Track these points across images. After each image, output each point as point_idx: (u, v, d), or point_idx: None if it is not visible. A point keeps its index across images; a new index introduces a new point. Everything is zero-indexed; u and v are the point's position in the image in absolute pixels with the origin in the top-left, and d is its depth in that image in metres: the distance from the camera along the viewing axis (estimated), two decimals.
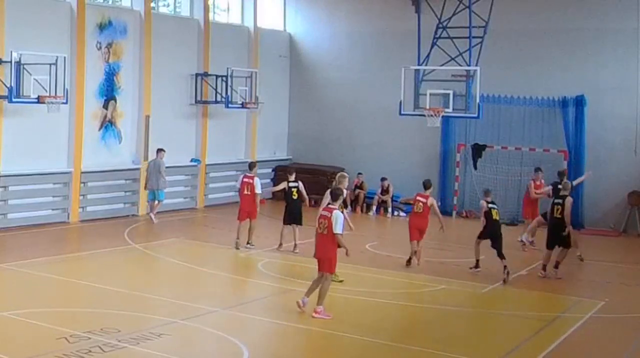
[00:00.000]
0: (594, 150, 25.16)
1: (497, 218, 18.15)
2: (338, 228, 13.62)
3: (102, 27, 23.49)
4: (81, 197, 23.07)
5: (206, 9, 26.91)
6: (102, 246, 19.62)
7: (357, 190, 27.23)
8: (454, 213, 27.09)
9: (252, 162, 21.29)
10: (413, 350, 12.60)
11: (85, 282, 16.20)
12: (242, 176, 20.04)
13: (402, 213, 26.68)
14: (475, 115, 22.18)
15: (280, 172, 29.05)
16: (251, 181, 19.63)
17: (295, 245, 19.57)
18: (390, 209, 26.80)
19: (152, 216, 23.30)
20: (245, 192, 19.62)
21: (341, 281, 16.07)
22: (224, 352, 12.42)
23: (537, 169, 22.33)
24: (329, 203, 14.05)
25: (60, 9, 22.44)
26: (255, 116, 28.18)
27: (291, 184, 19.76)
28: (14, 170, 21.36)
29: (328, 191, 15.01)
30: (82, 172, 22.96)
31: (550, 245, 18.05)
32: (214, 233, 22.34)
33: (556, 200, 18.13)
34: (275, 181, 28.63)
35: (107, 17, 23.66)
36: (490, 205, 18.13)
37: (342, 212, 14.43)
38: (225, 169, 27.90)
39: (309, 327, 13.58)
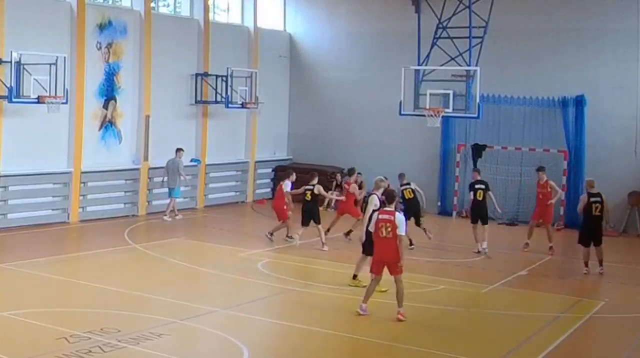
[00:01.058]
0: (594, 150, 25.14)
1: (409, 196, 20.70)
2: (402, 230, 13.70)
3: (102, 27, 23.49)
4: (81, 197, 23.07)
5: (206, 9, 26.91)
6: (102, 246, 19.63)
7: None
8: (454, 213, 27.09)
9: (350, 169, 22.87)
10: (413, 350, 12.60)
11: (85, 282, 16.21)
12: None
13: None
14: (475, 115, 22.17)
15: (280, 172, 29.08)
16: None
17: (323, 243, 20.24)
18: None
19: (166, 216, 23.64)
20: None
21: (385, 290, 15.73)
22: (224, 352, 12.42)
23: (540, 169, 21.68)
24: (381, 207, 14.14)
25: (60, 9, 22.44)
26: (255, 116, 28.18)
27: (306, 187, 20.57)
28: (14, 170, 21.36)
29: (372, 196, 16.33)
30: (82, 172, 22.97)
31: (588, 243, 18.57)
32: (214, 233, 22.34)
33: (593, 199, 18.46)
34: (276, 181, 28.76)
35: (107, 17, 23.66)
36: (403, 187, 20.73)
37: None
38: (225, 169, 27.92)
39: (309, 327, 13.58)
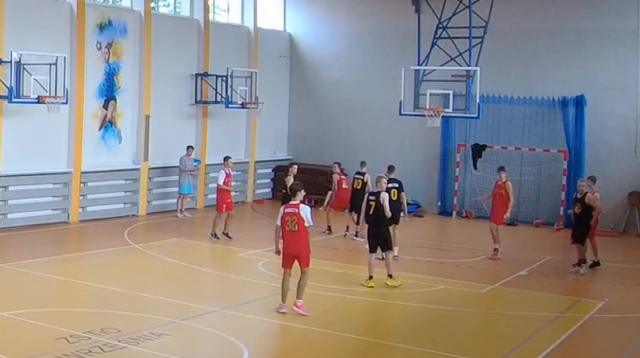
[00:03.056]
0: (594, 150, 25.15)
1: (358, 187, 21.38)
2: (308, 222, 13.74)
3: (102, 27, 23.49)
4: (81, 197, 23.07)
5: (206, 9, 26.91)
6: (102, 246, 19.63)
7: None
8: (454, 213, 27.08)
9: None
10: (413, 350, 12.60)
11: (85, 282, 16.20)
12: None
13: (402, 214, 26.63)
14: (475, 115, 22.15)
15: (280, 172, 29.09)
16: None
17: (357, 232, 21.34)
18: None
19: (179, 214, 24.14)
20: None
21: (399, 285, 16.41)
22: (224, 352, 12.42)
23: (501, 168, 20.98)
24: (291, 200, 14.06)
25: (60, 9, 22.45)
26: (255, 116, 28.18)
27: (356, 176, 21.87)
28: (14, 170, 21.36)
29: (367, 195, 16.80)
30: (82, 172, 22.97)
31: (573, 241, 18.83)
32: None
33: (579, 196, 18.80)
34: (276, 180, 28.79)
35: (107, 17, 23.66)
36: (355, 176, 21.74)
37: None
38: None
39: (309, 327, 13.57)
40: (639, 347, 13.61)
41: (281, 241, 14.17)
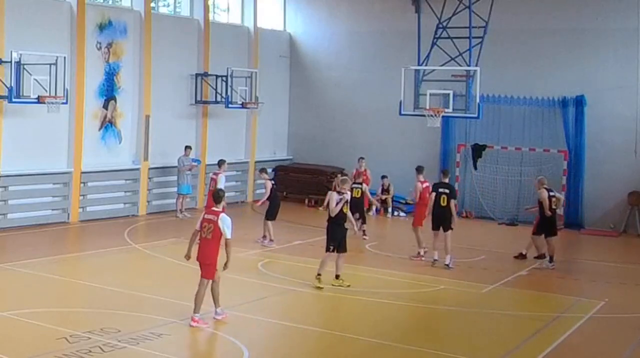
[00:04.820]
0: (594, 150, 25.16)
1: (356, 195, 20.78)
2: (227, 234, 12.88)
3: (102, 27, 23.49)
4: (81, 197, 23.07)
5: (206, 9, 26.91)
6: (102, 246, 19.63)
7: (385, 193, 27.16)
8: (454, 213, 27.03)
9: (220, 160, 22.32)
10: (413, 350, 12.60)
11: (85, 282, 16.21)
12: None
13: (402, 214, 26.69)
14: (475, 115, 22.18)
15: (281, 172, 29.10)
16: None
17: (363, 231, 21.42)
18: (390, 209, 26.78)
19: (179, 214, 24.14)
20: (211, 188, 20.82)
21: (348, 286, 16.24)
22: (224, 352, 12.43)
23: (418, 169, 20.28)
24: (214, 207, 13.28)
25: (60, 9, 22.45)
26: (255, 116, 28.18)
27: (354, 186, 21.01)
28: (14, 170, 21.36)
29: (331, 192, 16.13)
30: (82, 172, 22.97)
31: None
32: None
33: (551, 193, 19.21)
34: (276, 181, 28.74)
35: (107, 17, 23.66)
36: (354, 185, 20.87)
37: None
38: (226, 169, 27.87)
39: (309, 327, 13.58)
40: (639, 347, 13.61)
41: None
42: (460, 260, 19.67)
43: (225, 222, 12.86)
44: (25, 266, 16.96)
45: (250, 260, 18.85)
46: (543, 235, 19.22)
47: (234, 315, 14.13)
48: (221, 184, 20.62)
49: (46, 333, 12.32)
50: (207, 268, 13.04)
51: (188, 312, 13.90)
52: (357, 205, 20.77)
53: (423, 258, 19.19)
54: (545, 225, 19.24)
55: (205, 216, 13.18)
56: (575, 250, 23.10)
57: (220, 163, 21.89)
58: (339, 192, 16.08)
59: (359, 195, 21.31)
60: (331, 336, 13.13)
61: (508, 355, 12.65)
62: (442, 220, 18.57)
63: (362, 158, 23.73)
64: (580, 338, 13.75)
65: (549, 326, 14.31)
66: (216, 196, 13.38)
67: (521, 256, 19.77)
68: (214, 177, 21.46)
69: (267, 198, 20.79)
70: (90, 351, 11.52)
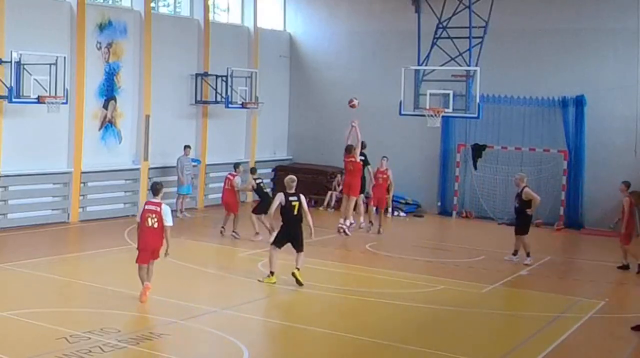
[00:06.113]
0: (594, 150, 25.14)
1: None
2: (169, 221, 14.42)
3: (102, 27, 23.49)
4: (81, 197, 23.07)
5: (206, 9, 26.91)
6: (102, 246, 19.62)
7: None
8: (454, 213, 27.08)
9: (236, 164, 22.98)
10: (413, 350, 12.59)
11: (85, 282, 16.21)
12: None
13: (402, 213, 26.71)
14: (475, 115, 22.18)
15: (280, 172, 29.10)
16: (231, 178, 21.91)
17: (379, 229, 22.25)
18: (390, 209, 26.76)
19: (178, 213, 24.14)
20: (226, 186, 22.03)
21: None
22: (224, 352, 12.42)
23: (384, 157, 23.09)
24: (152, 199, 14.72)
25: (60, 9, 22.44)
26: (255, 116, 28.18)
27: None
28: (14, 170, 21.36)
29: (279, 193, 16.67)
30: (82, 172, 22.97)
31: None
32: (214, 233, 22.31)
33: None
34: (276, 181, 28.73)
35: (107, 17, 23.66)
36: (257, 180, 21.66)
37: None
38: (226, 169, 27.64)
39: (309, 327, 13.58)
40: (639, 347, 13.61)
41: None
42: (460, 260, 19.69)
43: (166, 212, 14.45)
44: (25, 266, 16.95)
45: (250, 260, 18.86)
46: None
47: (234, 315, 14.15)
48: (238, 186, 21.78)
49: (46, 333, 12.32)
50: (156, 253, 14.52)
51: (188, 312, 13.93)
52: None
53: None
54: (527, 224, 19.37)
55: (147, 208, 14.50)
56: (575, 250, 23.12)
57: (236, 166, 22.50)
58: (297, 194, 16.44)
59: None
60: (331, 336, 13.13)
61: (508, 355, 12.65)
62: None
63: (385, 157, 23.43)
64: (580, 338, 13.75)
65: (549, 326, 14.30)
66: (155, 188, 14.85)
67: (624, 267, 19.07)
68: (230, 177, 21.93)
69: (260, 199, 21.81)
70: (90, 351, 11.52)
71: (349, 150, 21.91)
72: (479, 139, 26.56)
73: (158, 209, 14.38)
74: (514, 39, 26.13)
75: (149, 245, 14.43)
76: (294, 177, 16.74)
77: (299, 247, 16.30)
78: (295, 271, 16.12)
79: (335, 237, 21.69)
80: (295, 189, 16.47)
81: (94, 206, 23.44)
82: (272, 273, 16.30)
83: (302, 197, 16.51)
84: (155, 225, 14.35)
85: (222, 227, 21.74)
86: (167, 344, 12.26)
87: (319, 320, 13.89)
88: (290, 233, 16.29)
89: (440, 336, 13.51)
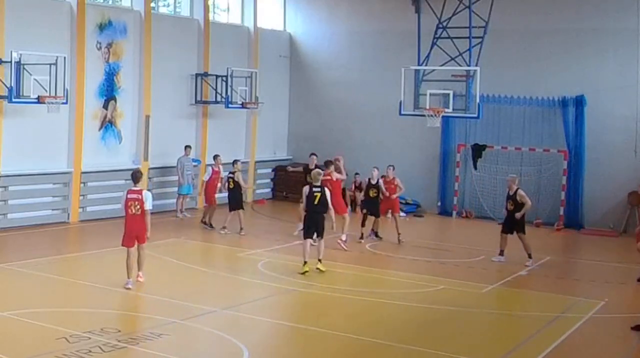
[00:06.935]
0: (594, 150, 25.15)
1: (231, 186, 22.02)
2: (149, 205, 15.20)
3: (102, 27, 23.49)
4: (81, 197, 23.08)
5: (206, 9, 26.91)
6: (102, 246, 19.60)
7: (356, 191, 27.17)
8: (454, 213, 27.08)
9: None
10: (413, 350, 12.60)
11: (85, 282, 16.20)
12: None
13: (402, 214, 26.67)
14: (475, 115, 22.18)
15: (280, 172, 29.12)
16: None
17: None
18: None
19: (178, 213, 24.43)
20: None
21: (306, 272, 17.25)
22: (224, 352, 12.42)
23: (390, 166, 22.57)
24: (133, 187, 15.37)
25: (60, 9, 22.45)
26: (255, 116, 28.17)
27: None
28: (14, 170, 21.36)
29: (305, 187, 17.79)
30: (82, 172, 22.98)
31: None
32: (214, 233, 22.33)
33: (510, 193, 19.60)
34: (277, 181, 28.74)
35: (107, 17, 23.66)
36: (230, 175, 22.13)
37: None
38: (226, 169, 27.77)
39: (309, 327, 13.58)
40: (639, 347, 13.61)
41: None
42: (460, 260, 19.69)
43: (147, 197, 15.26)
44: (25, 266, 16.95)
45: (250, 260, 18.86)
46: None
47: (234, 315, 14.15)
48: (242, 181, 22.29)
49: (46, 333, 12.32)
50: (142, 237, 15.41)
51: (188, 312, 13.94)
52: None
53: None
54: (518, 223, 19.43)
55: (129, 196, 15.23)
56: (575, 250, 23.12)
57: (235, 162, 22.76)
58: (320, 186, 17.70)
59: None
60: (331, 336, 13.12)
61: (508, 355, 12.65)
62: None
63: (391, 166, 22.64)
64: (580, 338, 13.76)
65: (549, 326, 14.30)
66: (136, 176, 15.45)
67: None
68: (231, 176, 22.20)
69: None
70: (90, 351, 11.52)
71: (327, 165, 21.50)
72: (479, 139, 26.56)
73: (140, 197, 15.16)
74: (514, 39, 26.14)
75: (133, 231, 15.34)
76: (320, 171, 18.38)
77: (319, 233, 17.57)
78: (319, 264, 17.36)
79: (333, 237, 21.65)
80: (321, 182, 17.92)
81: (94, 206, 23.44)
82: (305, 262, 17.28)
83: (326, 190, 17.79)
84: (139, 212, 15.16)
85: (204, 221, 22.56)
86: (167, 344, 12.25)
87: (319, 320, 13.89)
88: (312, 221, 17.50)
89: (440, 336, 13.51)
